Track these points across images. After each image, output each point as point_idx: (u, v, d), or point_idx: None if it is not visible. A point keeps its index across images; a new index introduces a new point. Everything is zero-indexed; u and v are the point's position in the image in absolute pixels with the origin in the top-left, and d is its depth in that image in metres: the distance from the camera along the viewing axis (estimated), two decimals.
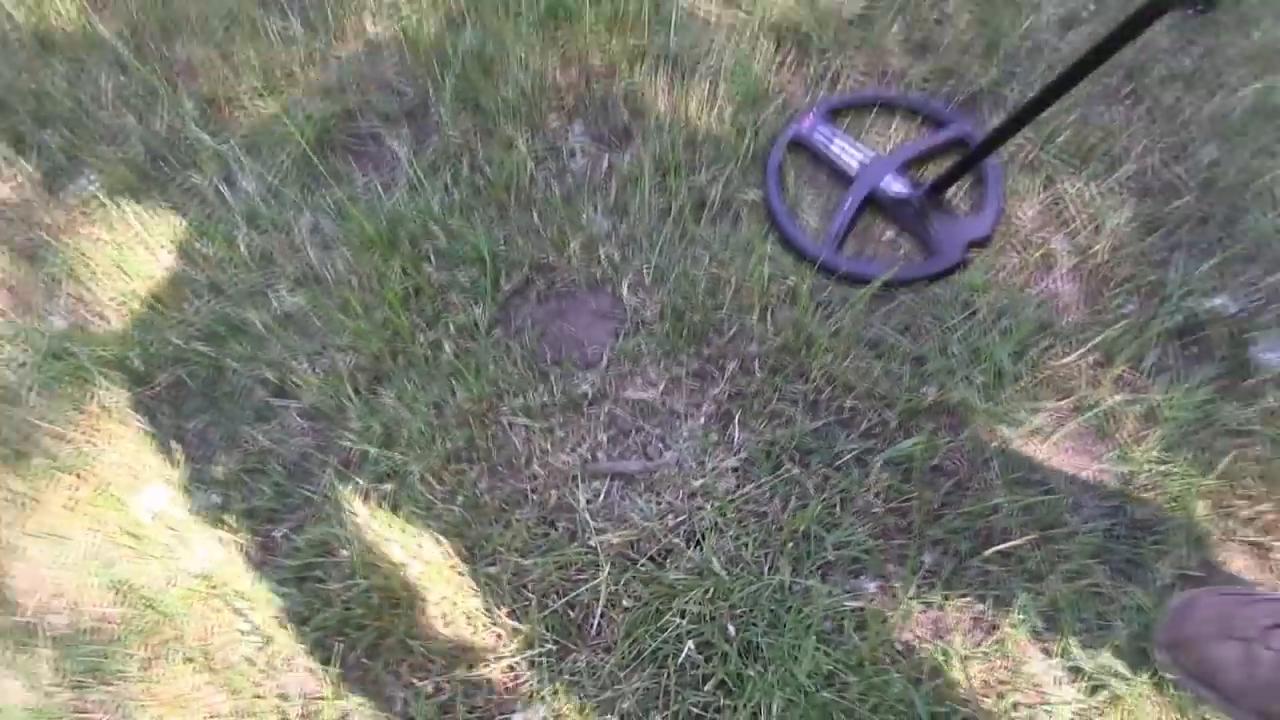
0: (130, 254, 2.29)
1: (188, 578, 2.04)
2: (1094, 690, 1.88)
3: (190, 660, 1.98)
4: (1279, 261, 2.18)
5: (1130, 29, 1.75)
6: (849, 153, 2.37)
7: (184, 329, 2.20)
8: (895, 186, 2.31)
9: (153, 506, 2.09)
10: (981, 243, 2.27)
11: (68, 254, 2.29)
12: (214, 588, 2.02)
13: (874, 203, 2.34)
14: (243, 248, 2.26)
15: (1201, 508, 1.99)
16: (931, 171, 2.34)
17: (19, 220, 2.36)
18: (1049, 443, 2.07)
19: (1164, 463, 2.04)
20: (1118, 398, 2.09)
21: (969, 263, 2.26)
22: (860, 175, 2.34)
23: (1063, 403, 2.10)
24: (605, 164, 2.33)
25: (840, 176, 2.38)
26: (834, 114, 2.46)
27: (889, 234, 2.33)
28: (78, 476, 2.14)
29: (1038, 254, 2.22)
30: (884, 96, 2.46)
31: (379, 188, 2.33)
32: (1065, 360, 2.12)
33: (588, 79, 2.44)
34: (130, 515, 2.09)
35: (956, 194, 2.34)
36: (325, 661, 1.96)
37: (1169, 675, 1.87)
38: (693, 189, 2.29)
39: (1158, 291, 2.18)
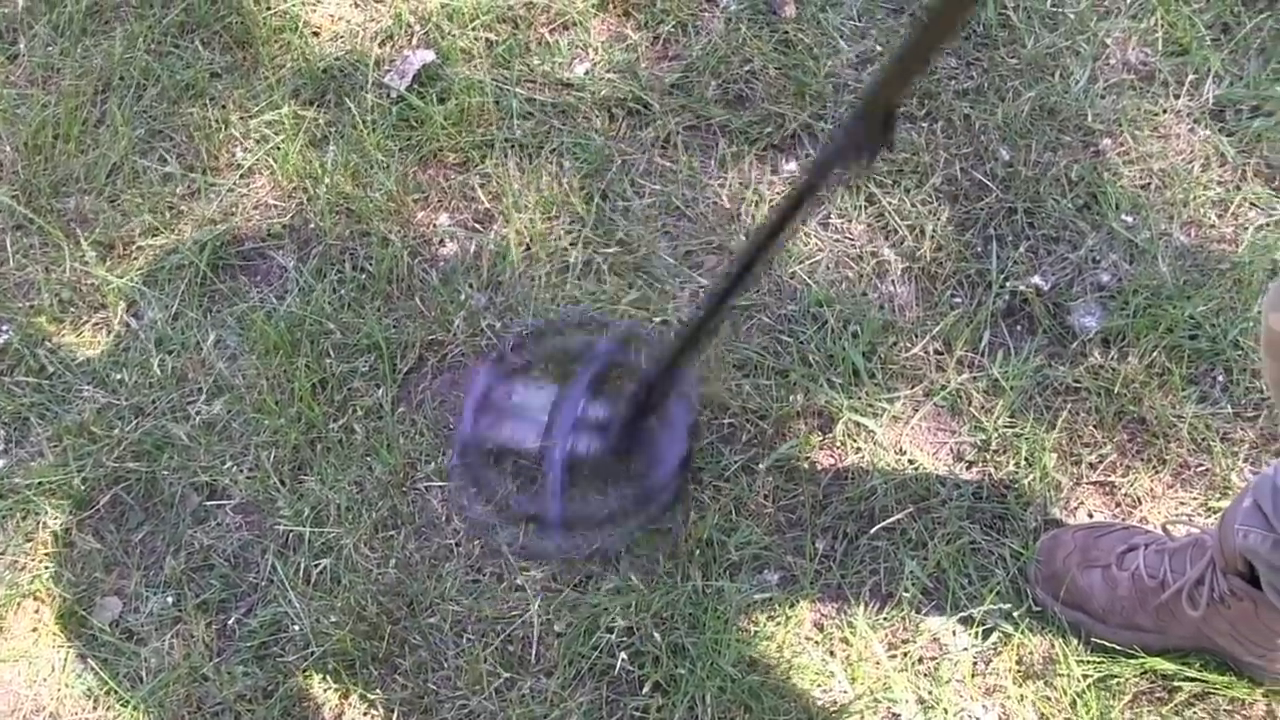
0: (54, 393, 2.28)
1: (154, 673, 2.03)
2: (986, 634, 1.95)
3: None
4: (1080, 239, 2.30)
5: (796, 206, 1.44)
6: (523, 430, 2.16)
7: (115, 451, 2.18)
8: (585, 443, 2.12)
9: (111, 615, 2.08)
10: (687, 460, 2.14)
11: None
12: (179, 678, 2.01)
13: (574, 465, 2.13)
14: (157, 371, 2.25)
15: (1051, 460, 2.07)
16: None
17: None
18: (910, 426, 2.15)
19: (1012, 427, 2.12)
20: (963, 377, 2.17)
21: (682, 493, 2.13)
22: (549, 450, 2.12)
23: (915, 389, 2.17)
24: (474, 246, 2.37)
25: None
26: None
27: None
28: (38, 600, 2.11)
29: (872, 264, 2.28)
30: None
31: (273, 297, 2.34)
32: (911, 352, 2.20)
33: (445, 173, 2.50)
34: (92, 627, 2.06)
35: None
36: None
37: (1047, 608, 1.98)
38: (554, 254, 2.34)
39: (982, 280, 2.26)
